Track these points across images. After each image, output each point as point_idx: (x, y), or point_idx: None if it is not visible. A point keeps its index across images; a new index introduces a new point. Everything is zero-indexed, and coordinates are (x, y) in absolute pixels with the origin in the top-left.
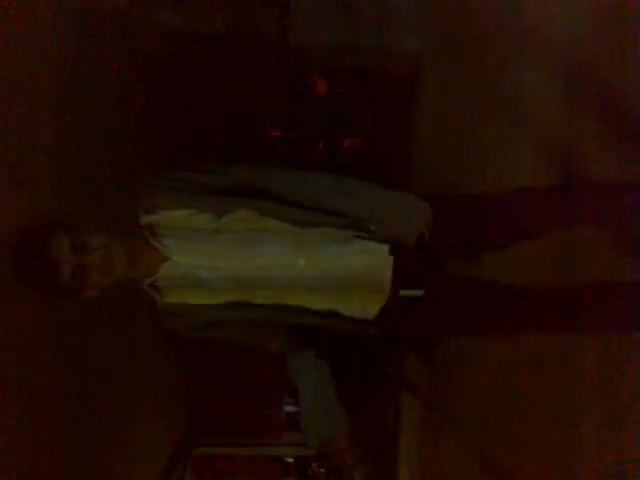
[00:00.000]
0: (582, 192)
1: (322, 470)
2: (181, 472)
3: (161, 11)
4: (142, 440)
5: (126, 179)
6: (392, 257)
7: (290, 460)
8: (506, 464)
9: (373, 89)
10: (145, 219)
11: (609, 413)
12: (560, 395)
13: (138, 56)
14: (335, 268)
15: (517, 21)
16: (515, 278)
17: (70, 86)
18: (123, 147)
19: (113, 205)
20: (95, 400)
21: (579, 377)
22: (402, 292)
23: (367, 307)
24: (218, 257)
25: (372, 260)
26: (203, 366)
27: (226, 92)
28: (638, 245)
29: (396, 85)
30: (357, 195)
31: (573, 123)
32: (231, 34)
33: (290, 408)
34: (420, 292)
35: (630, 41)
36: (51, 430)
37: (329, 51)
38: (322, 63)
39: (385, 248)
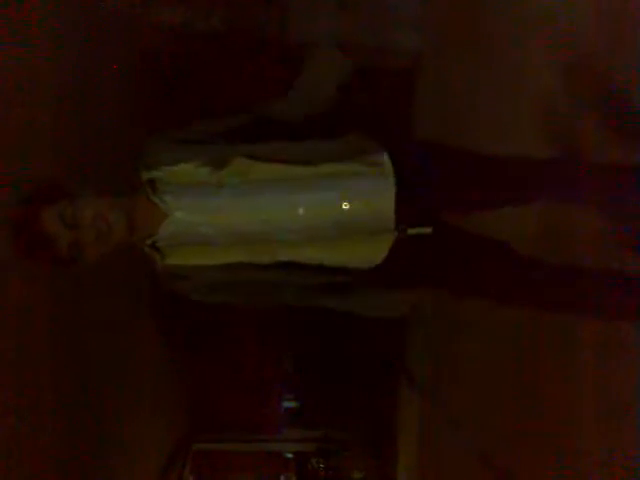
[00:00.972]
0: (583, 180)
1: (321, 466)
2: (181, 468)
3: (160, 10)
4: (142, 436)
5: (127, 138)
6: (393, 193)
7: (290, 456)
8: (505, 462)
9: (372, 85)
10: (146, 175)
11: (609, 410)
12: (560, 393)
13: (138, 55)
14: (335, 215)
15: (518, 10)
16: (514, 246)
17: (70, 84)
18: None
19: (115, 164)
20: (95, 397)
21: (578, 374)
22: (410, 230)
23: (374, 251)
24: (219, 212)
25: (372, 200)
26: (202, 362)
27: (224, 89)
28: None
29: (395, 81)
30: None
31: (574, 112)
32: (228, 32)
33: (289, 404)
34: (428, 230)
35: (630, 35)
36: (50, 428)
37: (327, 48)
38: None
39: (385, 186)
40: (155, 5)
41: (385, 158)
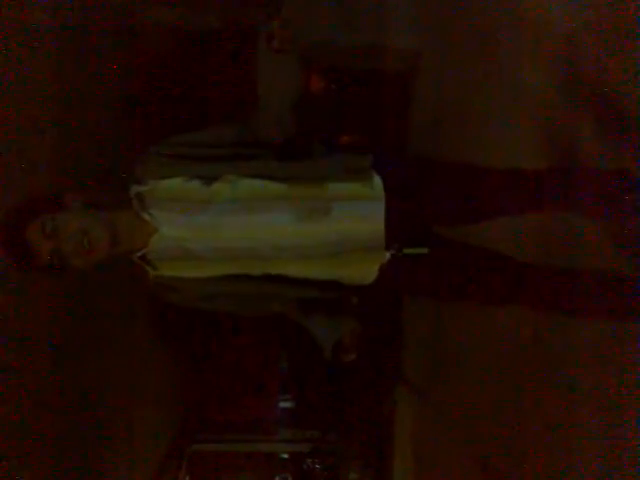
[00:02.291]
0: (581, 182)
1: (317, 466)
2: (176, 469)
3: (158, 9)
4: (137, 437)
5: (118, 152)
6: (384, 213)
7: (285, 456)
8: (501, 464)
9: (370, 86)
10: (135, 189)
11: (608, 411)
12: (557, 395)
13: (137, 54)
14: (325, 234)
15: (516, 14)
16: (512, 253)
17: (69, 83)
18: (116, 132)
19: (104, 178)
20: (92, 398)
21: (577, 374)
22: (406, 250)
23: (365, 269)
24: (206, 229)
25: (362, 220)
26: (199, 363)
27: (221, 88)
28: (636, 240)
29: (393, 81)
30: None
31: (572, 118)
32: (226, 30)
33: (285, 404)
34: (424, 250)
35: (629, 40)
36: (49, 427)
37: (325, 48)
38: (318, 60)
39: (375, 206)
40: (154, 5)
41: (376, 180)
